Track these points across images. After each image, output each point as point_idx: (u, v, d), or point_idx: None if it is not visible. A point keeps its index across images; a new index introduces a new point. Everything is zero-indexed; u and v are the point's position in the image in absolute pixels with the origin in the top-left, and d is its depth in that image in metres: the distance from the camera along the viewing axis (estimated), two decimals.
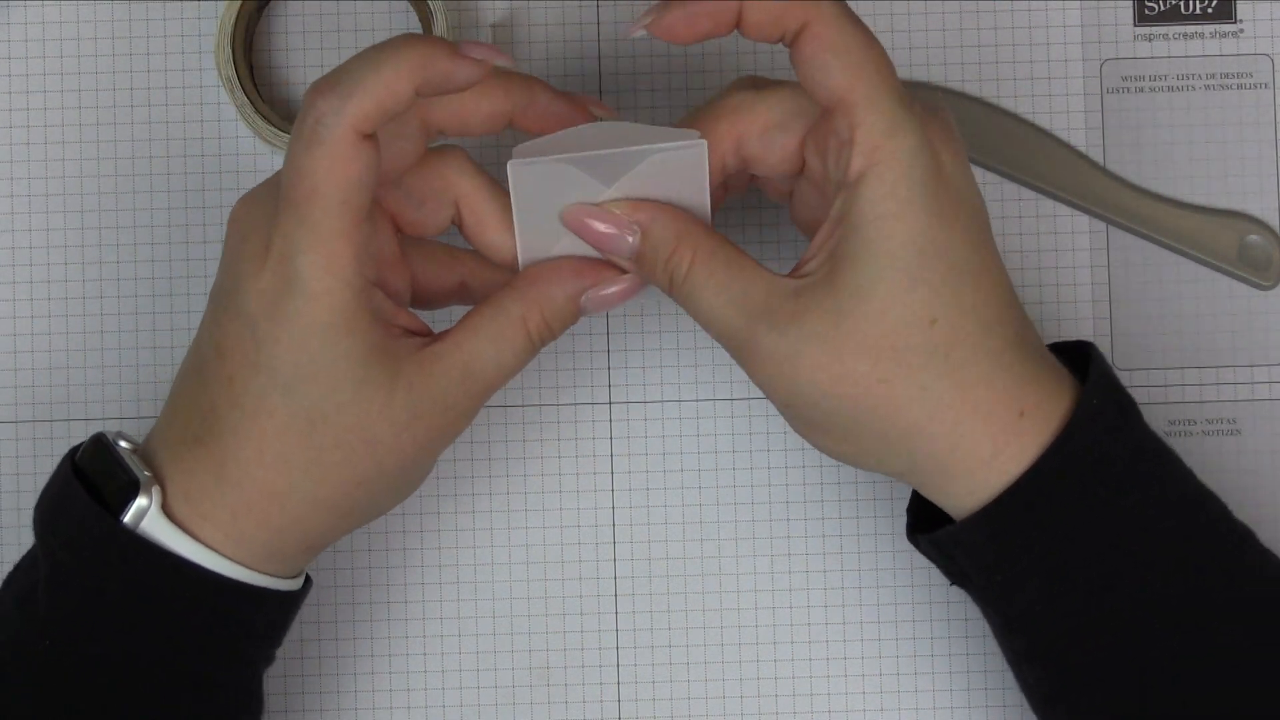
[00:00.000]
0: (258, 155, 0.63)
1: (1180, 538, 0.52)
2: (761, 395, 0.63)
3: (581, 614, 0.63)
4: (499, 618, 0.63)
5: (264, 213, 0.51)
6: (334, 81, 0.49)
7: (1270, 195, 0.63)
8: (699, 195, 0.53)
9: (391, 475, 0.52)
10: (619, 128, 0.53)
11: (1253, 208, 0.63)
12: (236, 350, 0.51)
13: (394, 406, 0.51)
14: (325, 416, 0.51)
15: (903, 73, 0.63)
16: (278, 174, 0.52)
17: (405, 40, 0.50)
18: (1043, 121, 0.63)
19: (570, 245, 0.53)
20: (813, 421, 0.52)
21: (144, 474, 0.52)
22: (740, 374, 0.63)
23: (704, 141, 0.52)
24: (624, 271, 0.53)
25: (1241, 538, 0.54)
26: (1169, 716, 0.53)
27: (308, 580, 0.56)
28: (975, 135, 0.63)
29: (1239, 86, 0.63)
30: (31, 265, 0.63)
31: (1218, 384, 0.63)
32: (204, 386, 0.52)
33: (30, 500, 0.62)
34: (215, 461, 0.51)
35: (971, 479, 0.52)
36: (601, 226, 0.52)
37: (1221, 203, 0.63)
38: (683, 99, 0.63)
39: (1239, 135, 0.63)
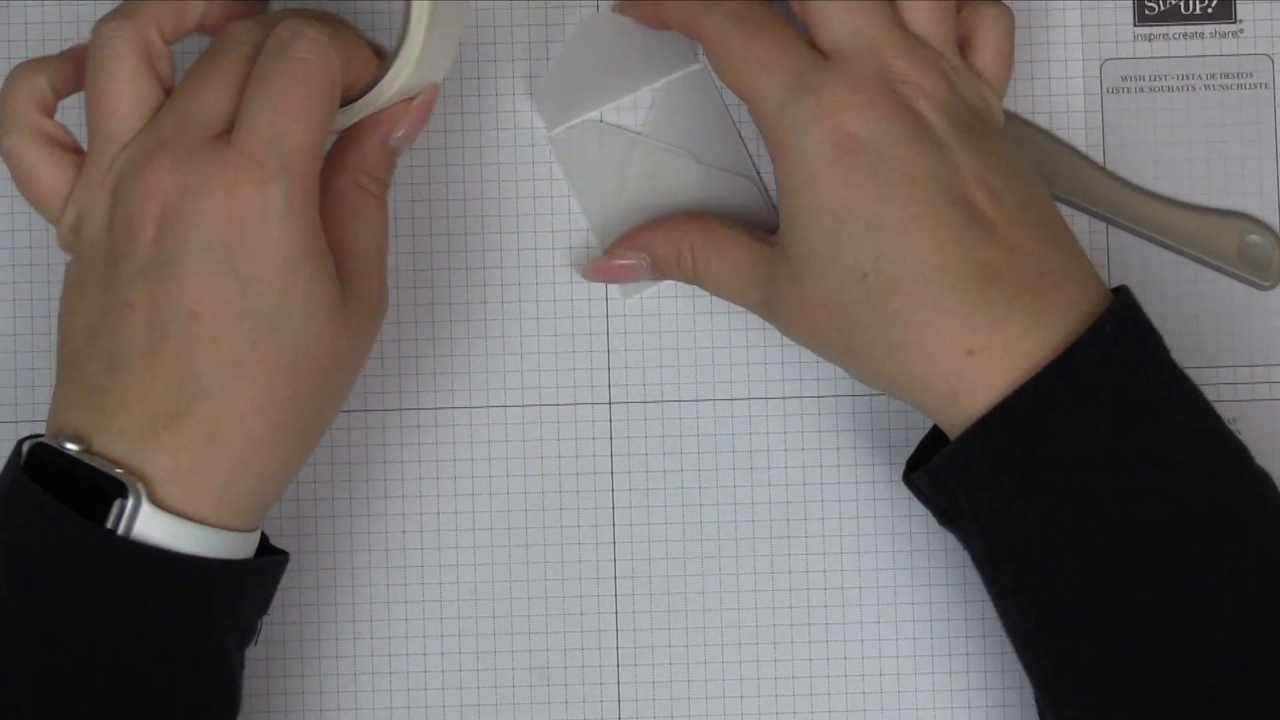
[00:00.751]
0: None
1: (1184, 475, 0.53)
2: (761, 395, 0.63)
3: (581, 614, 0.63)
4: (499, 618, 0.63)
5: (204, 166, 0.52)
6: (317, 15, 0.55)
7: (1270, 195, 0.63)
8: (719, 111, 0.61)
9: (348, 387, 0.56)
10: (619, 28, 0.60)
11: (1253, 208, 0.63)
12: (221, 307, 0.51)
13: (348, 317, 0.54)
14: (306, 345, 0.52)
15: None
16: (152, 136, 0.53)
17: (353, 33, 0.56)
18: (1043, 121, 0.63)
19: (636, 192, 0.61)
20: (829, 360, 0.58)
21: (116, 472, 0.51)
22: (740, 374, 0.63)
23: (702, 65, 0.61)
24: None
25: (1256, 483, 0.54)
26: (1152, 662, 0.53)
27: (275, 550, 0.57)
28: None
29: (1239, 86, 0.63)
30: (32, 265, 0.63)
31: (1217, 384, 0.63)
32: (173, 359, 0.51)
33: None
34: (205, 429, 0.51)
35: (943, 414, 0.54)
36: (619, 263, 0.61)
37: (1221, 203, 0.63)
38: None
39: (1239, 135, 0.63)
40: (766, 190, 0.62)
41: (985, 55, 0.57)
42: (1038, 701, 0.57)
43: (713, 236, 0.58)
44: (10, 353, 0.63)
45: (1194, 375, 0.63)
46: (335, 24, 0.55)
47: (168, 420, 0.51)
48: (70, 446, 0.51)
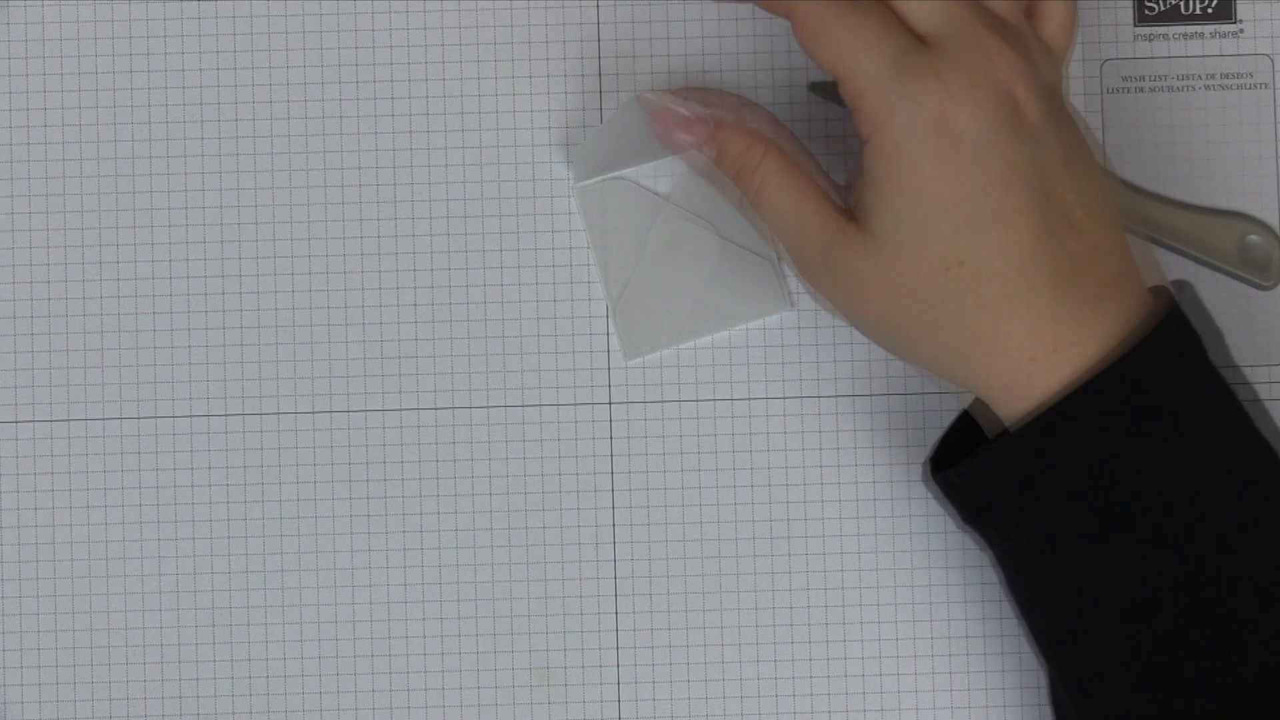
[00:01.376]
0: (257, 155, 0.63)
1: (1237, 482, 0.53)
2: (761, 396, 0.63)
3: (581, 614, 0.63)
4: (499, 618, 0.63)
5: None
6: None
7: (1270, 195, 0.63)
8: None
9: None
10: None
11: (1253, 208, 0.63)
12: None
13: None
14: None
15: None
16: None
17: None
18: None
19: (653, 255, 0.61)
20: (872, 337, 0.57)
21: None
22: (740, 374, 0.63)
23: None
24: None
25: None
26: (1196, 664, 0.53)
27: None
28: None
29: (1239, 86, 0.63)
30: (31, 265, 0.63)
31: None
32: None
33: (31, 500, 0.62)
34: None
35: (1000, 405, 0.54)
36: (686, 117, 0.58)
37: (1221, 203, 0.63)
38: None
39: (1239, 135, 0.63)
40: (783, 273, 0.62)
41: (1052, 24, 0.56)
42: (1057, 702, 0.56)
43: (791, 168, 0.56)
44: (10, 352, 0.63)
45: None
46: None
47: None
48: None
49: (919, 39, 0.54)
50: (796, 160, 0.57)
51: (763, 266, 0.62)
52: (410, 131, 0.63)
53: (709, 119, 0.57)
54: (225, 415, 0.63)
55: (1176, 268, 0.63)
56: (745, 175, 0.57)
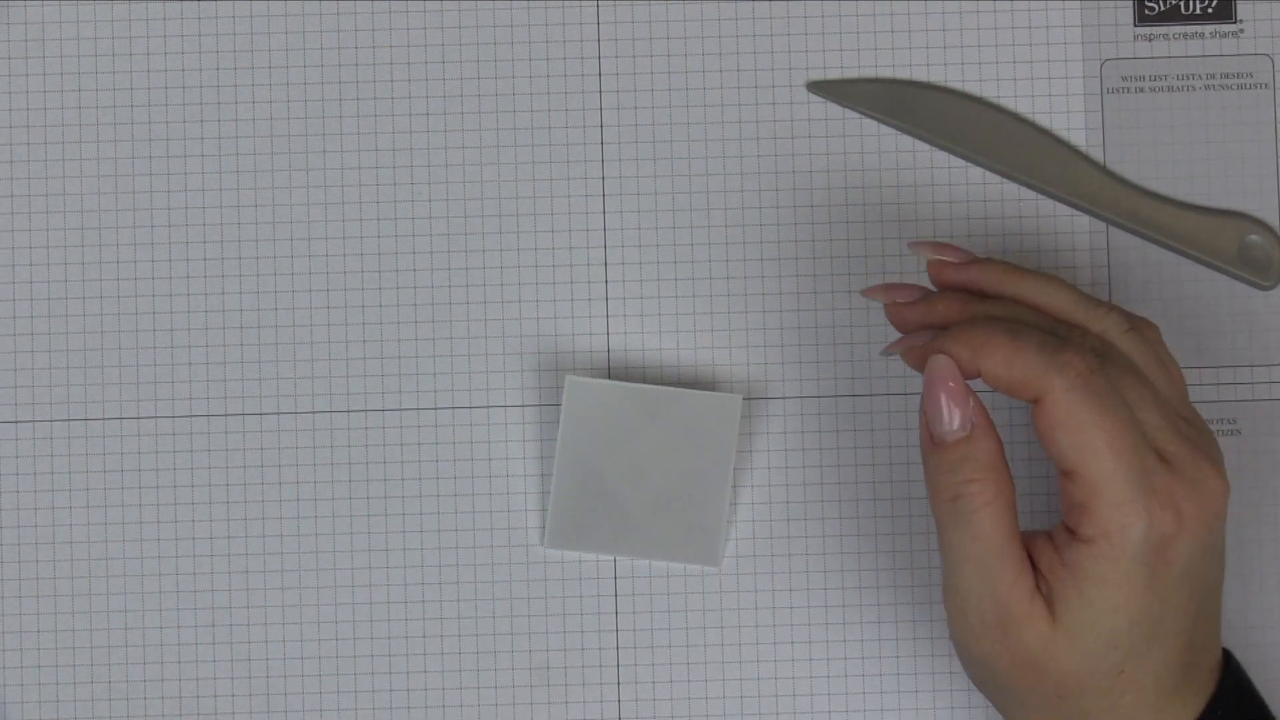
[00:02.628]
0: (257, 155, 0.63)
1: None
2: (761, 395, 0.63)
3: (581, 614, 0.63)
4: (499, 618, 0.63)
5: None
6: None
7: (1270, 195, 0.63)
8: (727, 444, 0.61)
9: None
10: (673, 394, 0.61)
11: (1253, 208, 0.63)
12: None
13: None
14: None
15: (903, 72, 0.63)
16: None
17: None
18: (1043, 121, 0.63)
19: (610, 475, 0.61)
20: (1000, 702, 0.55)
21: None
22: (740, 374, 0.63)
23: (739, 396, 0.60)
24: None
25: None
26: None
27: None
28: (975, 135, 0.63)
29: (1239, 86, 0.63)
30: (31, 265, 0.63)
31: (1218, 384, 0.63)
32: None
33: (31, 500, 0.62)
34: None
35: None
36: (953, 396, 0.53)
37: (1221, 203, 0.63)
38: (683, 99, 0.63)
39: (1239, 135, 0.63)
40: (725, 534, 0.62)
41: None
42: None
43: (1010, 511, 0.53)
44: (10, 352, 0.63)
45: (1194, 375, 0.63)
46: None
47: None
48: None
49: (1160, 455, 0.53)
50: (1011, 501, 0.53)
51: (707, 519, 0.61)
52: (410, 131, 0.63)
53: (976, 406, 0.53)
54: (225, 415, 0.63)
55: (1176, 267, 0.63)
56: (964, 495, 0.53)
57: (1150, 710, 0.53)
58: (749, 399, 0.63)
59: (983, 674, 0.55)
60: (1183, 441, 0.53)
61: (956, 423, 0.53)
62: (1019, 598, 0.53)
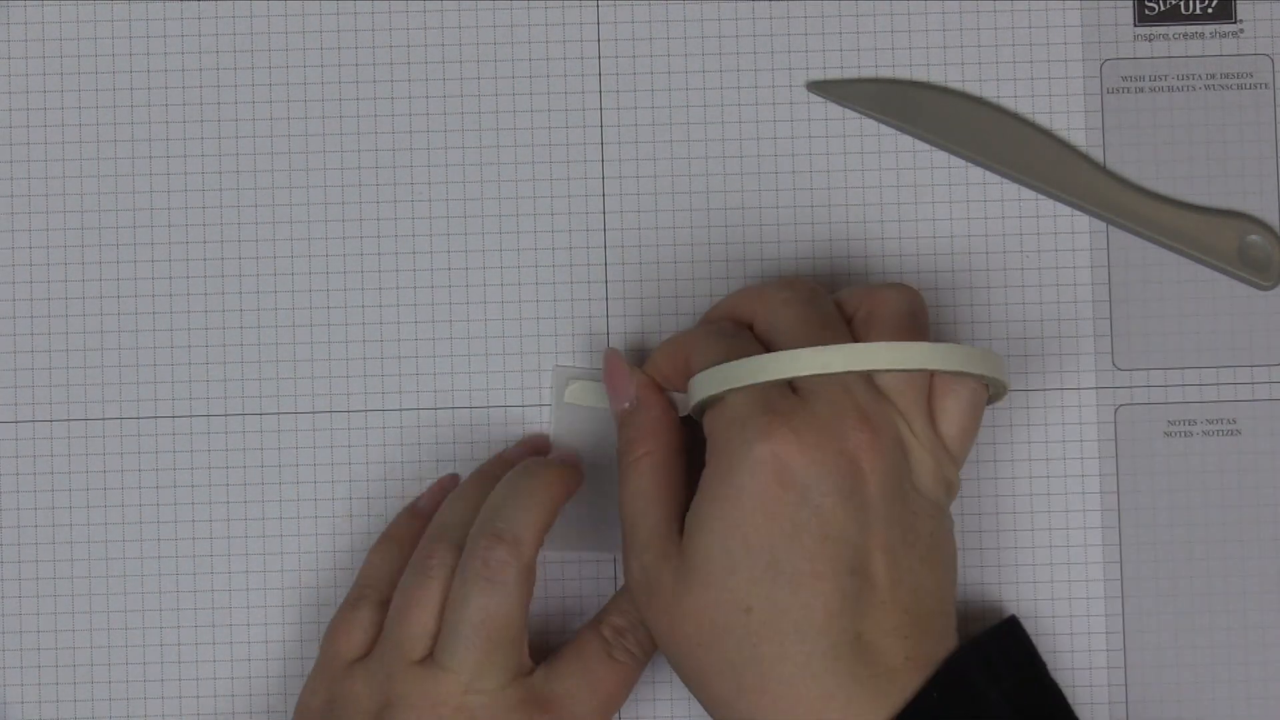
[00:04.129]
0: (257, 155, 0.63)
1: None
2: None
3: (582, 614, 0.63)
4: None
5: (412, 693, 0.56)
6: (500, 531, 0.56)
7: (1270, 195, 0.63)
8: None
9: None
10: None
11: (1253, 208, 0.63)
12: None
13: None
14: None
15: (903, 72, 0.64)
16: (383, 647, 0.57)
17: (545, 477, 0.58)
18: (1043, 121, 0.63)
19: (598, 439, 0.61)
20: (674, 666, 0.56)
21: None
22: None
23: None
24: None
25: None
26: None
27: None
28: (975, 135, 0.63)
29: (1239, 86, 0.63)
30: (31, 265, 0.63)
31: (1218, 384, 0.63)
32: None
33: (31, 500, 0.62)
34: None
35: None
36: (615, 378, 0.59)
37: (1221, 203, 0.63)
38: (683, 99, 0.63)
39: (1239, 135, 0.63)
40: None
41: (948, 424, 0.55)
42: None
43: (675, 465, 0.57)
44: (10, 352, 0.63)
45: (1194, 375, 0.63)
46: (520, 496, 0.57)
47: None
48: None
49: (793, 388, 0.54)
50: (683, 468, 0.57)
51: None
52: (410, 131, 0.63)
53: (638, 382, 0.58)
54: (225, 415, 0.63)
55: (1176, 267, 0.63)
56: (627, 451, 0.57)
57: (810, 676, 0.53)
58: None
59: (658, 636, 0.56)
60: (830, 384, 0.54)
61: (624, 399, 0.58)
62: (661, 535, 0.55)
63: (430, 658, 0.56)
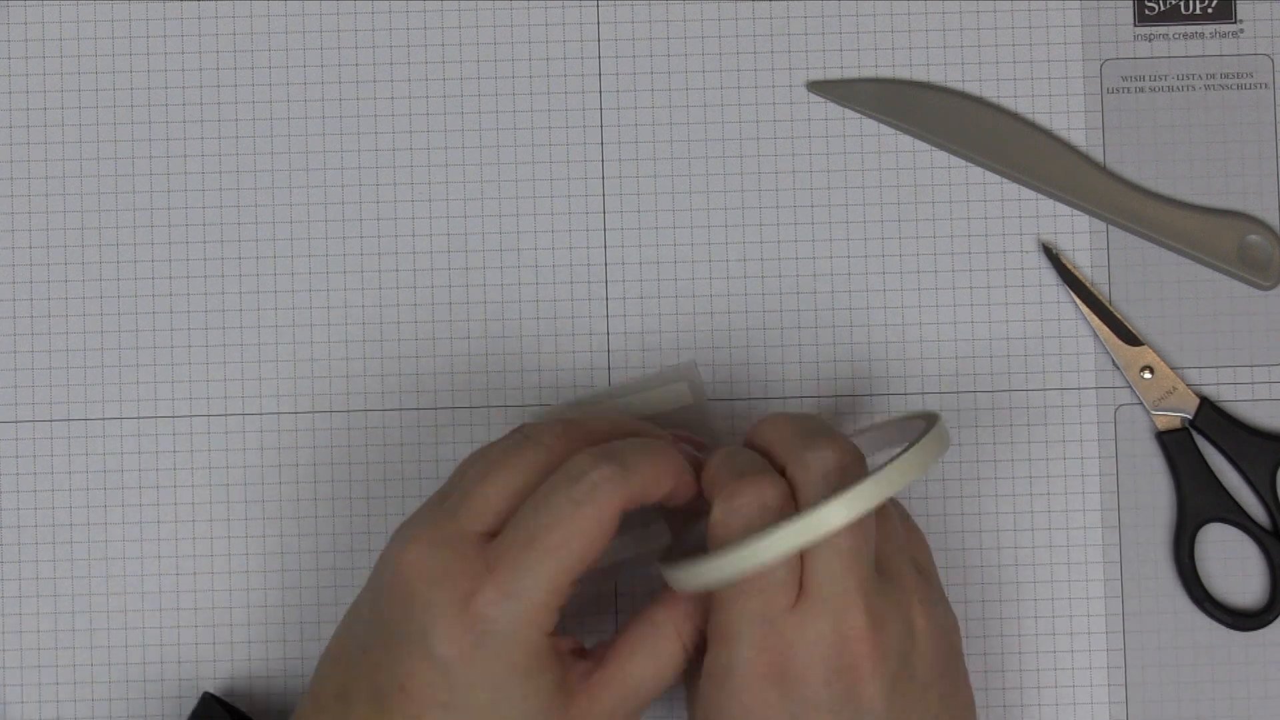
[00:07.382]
0: (257, 155, 0.63)
1: None
2: (762, 396, 0.63)
3: (581, 614, 0.63)
4: None
5: (454, 560, 0.53)
6: (614, 454, 0.53)
7: (1270, 195, 0.63)
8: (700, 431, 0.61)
9: None
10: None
11: (1253, 208, 0.63)
12: (426, 692, 0.52)
13: None
14: None
15: (903, 72, 0.64)
16: (437, 511, 0.54)
17: (672, 451, 0.55)
18: (1043, 121, 0.63)
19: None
20: None
21: None
22: (740, 374, 0.63)
23: (684, 384, 0.61)
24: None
25: None
26: None
27: None
28: (975, 135, 0.63)
29: (1239, 86, 0.64)
30: (31, 265, 0.63)
31: (1218, 384, 0.63)
32: (385, 717, 0.53)
33: (31, 500, 0.62)
34: None
35: None
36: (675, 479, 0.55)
37: (1221, 203, 0.63)
38: (683, 99, 0.63)
39: (1239, 135, 0.63)
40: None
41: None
42: None
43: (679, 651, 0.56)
44: (10, 352, 0.63)
45: (1194, 375, 0.63)
46: (645, 450, 0.54)
47: None
48: None
49: (800, 589, 0.53)
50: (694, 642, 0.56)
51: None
52: (410, 131, 0.63)
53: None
54: (225, 415, 0.63)
55: (1176, 267, 0.63)
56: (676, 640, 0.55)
57: None
58: (750, 399, 0.63)
59: None
60: (833, 584, 0.52)
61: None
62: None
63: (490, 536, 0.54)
